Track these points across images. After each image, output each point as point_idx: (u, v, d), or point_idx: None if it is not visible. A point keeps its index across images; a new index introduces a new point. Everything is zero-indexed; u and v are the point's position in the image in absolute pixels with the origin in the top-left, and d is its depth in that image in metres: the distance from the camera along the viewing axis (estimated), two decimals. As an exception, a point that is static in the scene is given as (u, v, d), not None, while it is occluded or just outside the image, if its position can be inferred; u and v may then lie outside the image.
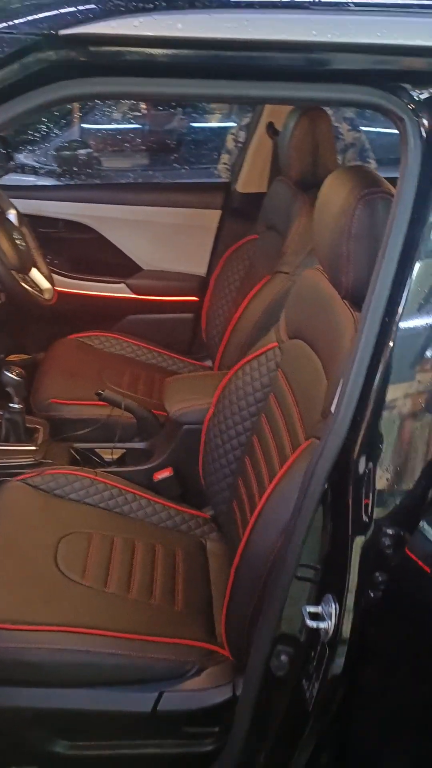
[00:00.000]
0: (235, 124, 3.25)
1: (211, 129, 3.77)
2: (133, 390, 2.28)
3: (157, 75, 0.88)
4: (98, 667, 1.33)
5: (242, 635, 1.27)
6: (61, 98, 0.87)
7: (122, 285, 2.64)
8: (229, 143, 3.01)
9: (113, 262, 2.64)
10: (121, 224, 2.60)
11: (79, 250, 2.62)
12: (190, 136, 3.73)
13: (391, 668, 1.08)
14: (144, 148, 3.74)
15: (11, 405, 1.87)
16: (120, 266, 2.65)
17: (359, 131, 3.21)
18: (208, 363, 2.59)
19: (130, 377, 2.37)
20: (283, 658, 1.10)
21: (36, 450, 1.88)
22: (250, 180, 2.51)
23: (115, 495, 1.77)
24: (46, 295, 2.15)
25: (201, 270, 2.67)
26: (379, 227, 1.17)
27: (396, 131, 0.95)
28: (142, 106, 4.36)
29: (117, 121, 4.38)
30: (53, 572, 1.50)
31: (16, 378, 1.83)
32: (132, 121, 4.32)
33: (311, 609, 1.04)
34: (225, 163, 3.05)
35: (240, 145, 2.92)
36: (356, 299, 1.23)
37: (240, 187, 2.54)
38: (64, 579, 1.49)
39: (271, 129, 2.38)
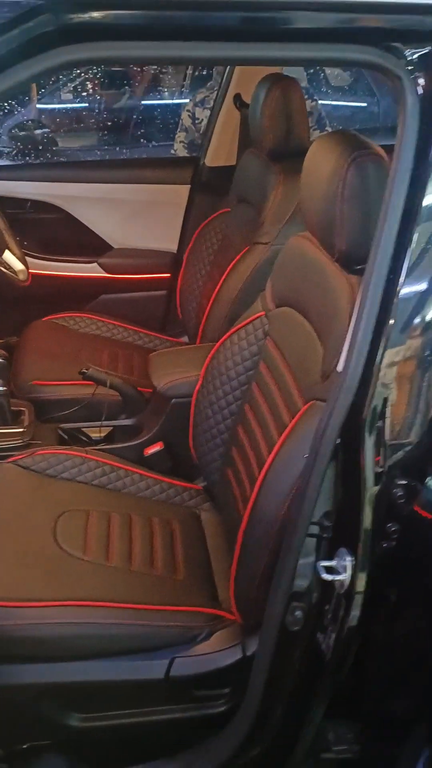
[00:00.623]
0: (187, 101, 3.23)
1: (163, 106, 3.75)
2: (113, 368, 2.27)
3: (159, 38, 0.88)
4: (109, 638, 1.34)
5: (251, 596, 1.29)
6: (63, 64, 0.86)
7: (94, 264, 2.61)
8: (186, 120, 3.00)
9: (84, 242, 2.61)
10: (90, 203, 2.57)
11: (49, 230, 2.58)
12: (142, 114, 3.71)
13: (402, 617, 1.12)
14: (98, 127, 3.71)
15: (-6, 388, 1.84)
16: (91, 246, 2.62)
17: (315, 100, 3.23)
18: (184, 339, 2.60)
19: (108, 356, 2.36)
20: (298, 613, 1.13)
21: (23, 432, 1.86)
22: (219, 153, 2.51)
23: (107, 472, 1.77)
24: (21, 276, 2.12)
25: (172, 246, 2.66)
26: (371, 189, 1.19)
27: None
28: (91, 85, 4.31)
29: (68, 101, 4.32)
30: (54, 550, 1.50)
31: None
32: (83, 100, 4.27)
33: (326, 563, 1.07)
34: (182, 141, 3.04)
35: (198, 121, 2.91)
36: (350, 262, 1.25)
37: (209, 160, 2.54)
38: (66, 555, 1.49)
39: (238, 101, 2.38)
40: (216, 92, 2.50)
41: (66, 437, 1.94)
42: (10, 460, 1.73)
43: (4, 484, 1.67)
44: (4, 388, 1.86)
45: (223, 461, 1.68)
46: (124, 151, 3.18)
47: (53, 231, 2.59)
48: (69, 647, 1.32)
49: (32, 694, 1.33)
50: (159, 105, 4.20)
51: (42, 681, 1.33)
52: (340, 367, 1.05)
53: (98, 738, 1.39)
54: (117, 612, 1.35)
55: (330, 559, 1.08)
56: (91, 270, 2.62)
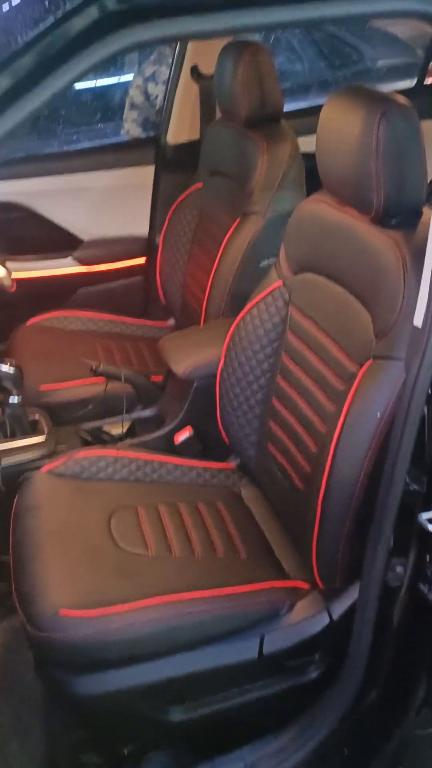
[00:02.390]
0: (131, 77, 3.14)
1: (103, 86, 3.64)
2: (111, 361, 2.23)
3: (211, 10, 0.85)
4: (199, 627, 1.33)
5: (336, 561, 1.31)
6: (125, 47, 0.82)
7: (69, 259, 2.54)
8: (136, 98, 2.92)
9: (54, 238, 2.53)
10: (53, 197, 2.49)
11: (16, 231, 2.48)
12: (82, 96, 3.59)
13: None
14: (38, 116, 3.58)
15: (11, 398, 1.78)
16: (62, 241, 2.54)
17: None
18: (171, 322, 2.57)
19: (102, 350, 2.32)
20: (399, 569, 1.15)
21: (46, 440, 1.81)
22: (181, 129, 2.46)
23: (142, 466, 1.75)
24: (6, 283, 2.05)
25: (143, 230, 2.61)
26: (404, 141, 1.19)
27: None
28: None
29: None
30: (118, 551, 1.47)
31: (12, 369, 1.75)
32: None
33: (427, 515, 1.08)
34: (135, 120, 2.97)
35: (152, 97, 2.84)
36: (388, 217, 1.26)
37: (171, 138, 2.48)
38: (131, 555, 1.47)
39: (195, 72, 2.33)
40: (171, 65, 2.44)
41: (90, 438, 1.90)
42: (43, 470, 1.68)
43: (45, 494, 1.62)
44: (19, 398, 1.80)
45: (259, 436, 1.68)
46: (74, 137, 3.08)
47: (20, 231, 2.49)
48: (164, 643, 1.31)
49: (133, 697, 1.32)
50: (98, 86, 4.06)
51: (142, 682, 1.31)
52: (418, 322, 1.06)
53: (199, 727, 1.39)
54: (203, 600, 1.35)
55: (429, 510, 1.09)
56: (66, 265, 2.55)
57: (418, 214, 1.27)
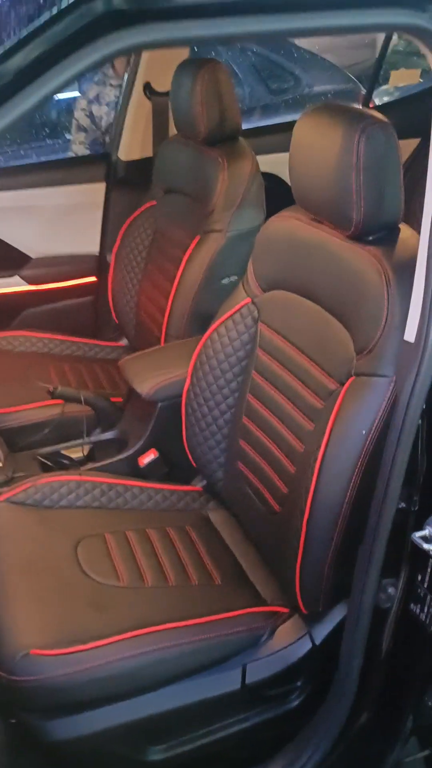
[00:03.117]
0: (76, 95, 3.10)
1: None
2: (65, 383, 2.15)
3: (211, 15, 0.82)
4: (178, 660, 1.27)
5: (320, 584, 1.27)
6: (119, 50, 0.78)
7: (15, 278, 2.45)
8: (83, 120, 2.87)
9: (1, 256, 2.43)
10: (0, 213, 2.40)
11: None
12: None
13: None
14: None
15: (-36, 424, 1.68)
16: (7, 258, 2.45)
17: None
18: (123, 342, 2.50)
19: (55, 372, 2.23)
20: (390, 590, 1.13)
21: (3, 466, 1.72)
22: (133, 146, 2.41)
23: (106, 491, 1.67)
24: None
25: (94, 248, 2.54)
26: (384, 156, 1.19)
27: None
28: None
29: None
30: (88, 582, 1.40)
31: (-34, 393, 1.65)
32: None
33: (420, 534, 1.06)
34: (82, 142, 2.92)
35: (98, 119, 2.80)
36: (366, 233, 1.25)
37: (123, 155, 2.44)
38: (102, 586, 1.39)
39: (148, 90, 2.30)
40: (122, 84, 2.40)
41: (49, 463, 1.81)
42: (0, 498, 1.59)
43: (4, 525, 1.53)
44: (-27, 423, 1.70)
45: (228, 456, 1.64)
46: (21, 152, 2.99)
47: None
48: (144, 679, 1.24)
49: (111, 740, 1.24)
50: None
51: (121, 722, 1.24)
52: (410, 337, 1.04)
53: (181, 766, 1.32)
54: (181, 631, 1.28)
55: (421, 529, 1.07)
56: (12, 284, 2.45)
57: (396, 229, 1.26)
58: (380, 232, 1.25)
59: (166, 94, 2.31)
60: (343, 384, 1.28)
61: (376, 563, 1.11)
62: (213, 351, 1.63)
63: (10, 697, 1.24)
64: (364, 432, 1.17)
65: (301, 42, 4.73)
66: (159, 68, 2.24)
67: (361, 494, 1.18)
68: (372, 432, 1.18)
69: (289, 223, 1.47)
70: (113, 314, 2.46)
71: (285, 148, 1.98)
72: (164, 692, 1.26)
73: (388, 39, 2.83)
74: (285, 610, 1.41)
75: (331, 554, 1.23)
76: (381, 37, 8.26)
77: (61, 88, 0.77)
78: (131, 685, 1.24)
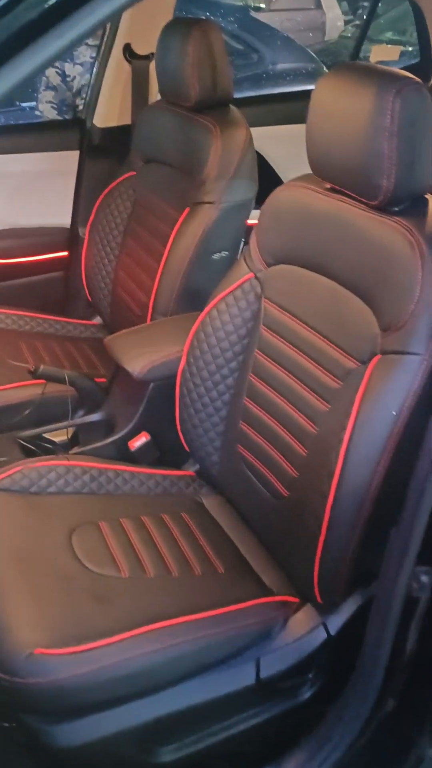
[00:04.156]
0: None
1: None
2: (38, 362, 2.02)
3: None
4: (193, 655, 1.19)
5: (341, 572, 1.21)
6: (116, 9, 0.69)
7: (-19, 251, 2.30)
8: (53, 78, 2.71)
9: (-36, 226, 2.27)
10: (-35, 180, 2.24)
11: None
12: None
13: None
14: None
15: None
16: (-28, 229, 2.29)
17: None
18: (97, 320, 2.39)
19: (28, 350, 2.10)
20: (424, 578, 1.08)
21: (-18, 450, 1.60)
22: (110, 112, 2.28)
23: (96, 476, 1.57)
24: None
25: (65, 221, 2.41)
26: (420, 119, 1.12)
27: None
28: None
29: None
30: (87, 574, 1.30)
31: None
32: None
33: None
34: (50, 101, 2.75)
35: (69, 78, 2.65)
36: (395, 202, 1.18)
37: (99, 121, 2.30)
38: (102, 578, 1.30)
39: (128, 52, 2.17)
40: (100, 44, 2.26)
41: (32, 447, 1.69)
42: (-16, 485, 1.47)
43: (-9, 513, 1.41)
44: None
45: (225, 439, 1.57)
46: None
47: None
48: (157, 677, 1.16)
49: (120, 743, 1.15)
50: None
51: (131, 725, 1.16)
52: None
53: (193, 766, 1.24)
54: (196, 624, 1.21)
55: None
56: (-22, 257, 2.30)
57: (423, 200, 1.20)
58: (406, 203, 1.18)
59: (148, 57, 2.20)
60: (365, 363, 1.22)
61: (413, 549, 1.05)
62: (212, 329, 1.54)
63: (11, 700, 1.14)
64: (394, 413, 1.12)
65: (263, 18, 4.64)
66: (140, 29, 2.12)
67: (391, 477, 1.12)
68: (402, 411, 1.12)
69: (300, 192, 1.40)
70: (86, 291, 2.33)
71: (262, 122, 1.90)
72: (177, 690, 1.18)
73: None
74: (295, 599, 1.35)
75: (354, 541, 1.18)
76: (334, 21, 8.19)
77: (64, 52, 0.68)
78: (144, 684, 1.16)
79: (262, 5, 6.71)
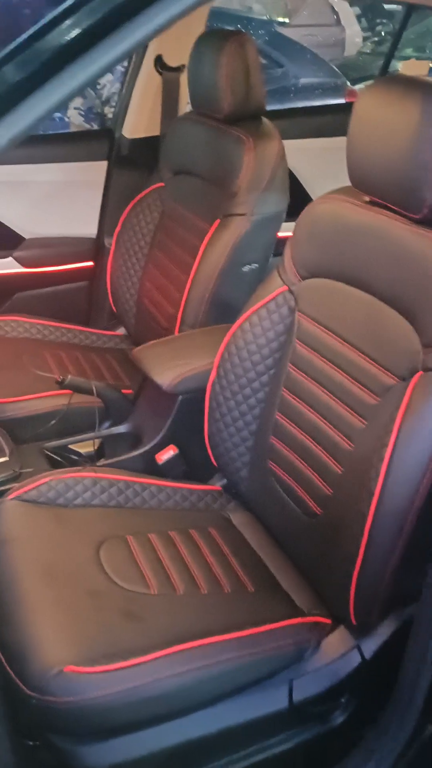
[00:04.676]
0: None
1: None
2: (63, 373, 2.01)
3: None
4: (226, 676, 1.16)
5: (378, 593, 1.18)
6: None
7: (9, 259, 2.29)
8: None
9: (-9, 234, 2.27)
10: (-7, 188, 2.23)
11: None
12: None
13: None
14: None
15: (-33, 414, 1.54)
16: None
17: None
18: (121, 331, 2.37)
19: (53, 360, 2.09)
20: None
21: (9, 460, 1.58)
22: (139, 123, 2.28)
23: (123, 489, 1.55)
24: None
25: (91, 231, 2.40)
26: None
27: None
28: None
29: None
30: (116, 590, 1.28)
31: (-28, 380, 1.50)
32: None
33: None
34: (78, 108, 2.76)
35: (99, 86, 2.65)
36: (441, 217, 1.16)
37: (128, 132, 2.30)
38: (132, 594, 1.28)
39: (160, 63, 2.17)
40: (132, 55, 2.26)
41: (58, 458, 1.67)
42: (11, 496, 1.45)
43: (19, 525, 1.39)
44: (-22, 413, 1.55)
45: (255, 454, 1.54)
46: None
47: None
48: (190, 699, 1.13)
49: (152, 763, 1.12)
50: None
51: (161, 747, 1.12)
52: None
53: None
54: (229, 645, 1.18)
55: None
56: (5, 266, 2.29)
57: (468, 215, 1.18)
58: (452, 218, 1.16)
59: (179, 68, 2.20)
60: (405, 379, 1.19)
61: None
62: (244, 342, 1.52)
63: (37, 718, 1.12)
64: (438, 431, 1.09)
65: (287, 33, 4.65)
66: (172, 41, 2.12)
67: (432, 496, 1.09)
68: (446, 430, 1.09)
69: (338, 205, 1.38)
70: (111, 301, 2.32)
71: (288, 135, 1.88)
72: (209, 712, 1.15)
73: (408, 15, 2.76)
74: (327, 621, 1.31)
75: (394, 562, 1.14)
76: (353, 37, 8.22)
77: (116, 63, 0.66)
78: (175, 705, 1.13)
79: (286, 20, 6.74)
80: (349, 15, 7.67)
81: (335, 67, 4.82)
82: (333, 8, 7.47)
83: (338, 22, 7.69)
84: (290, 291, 1.48)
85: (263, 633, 1.23)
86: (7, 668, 1.12)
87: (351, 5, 7.64)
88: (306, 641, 1.25)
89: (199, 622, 1.23)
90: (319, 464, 1.36)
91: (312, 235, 1.44)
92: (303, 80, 4.44)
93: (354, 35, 7.81)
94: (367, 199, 1.32)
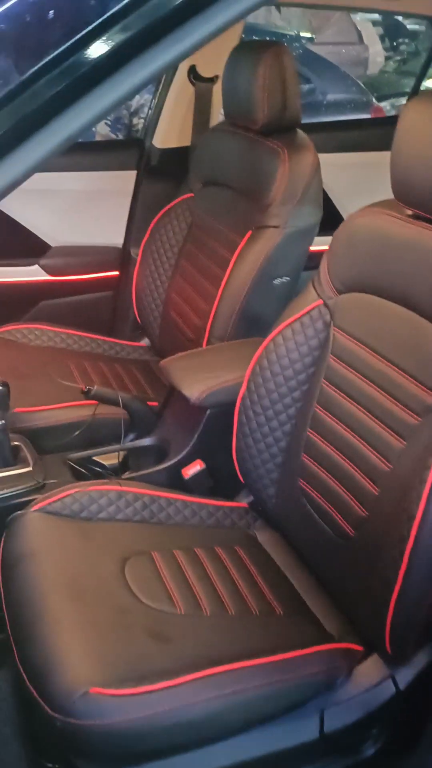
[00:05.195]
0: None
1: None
2: (87, 383, 1.98)
3: None
4: (254, 704, 1.12)
5: (415, 622, 1.13)
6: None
7: (35, 267, 2.27)
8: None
9: (17, 242, 2.25)
10: (21, 195, 2.21)
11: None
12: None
13: None
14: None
15: (-8, 422, 1.50)
16: (25, 245, 2.27)
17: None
18: (145, 341, 2.34)
19: (77, 369, 2.06)
20: None
21: (33, 470, 1.54)
22: (170, 134, 2.26)
23: (148, 503, 1.51)
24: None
25: (118, 240, 2.38)
26: None
27: None
28: None
29: None
30: (142, 609, 1.23)
31: (-1, 387, 1.47)
32: None
33: None
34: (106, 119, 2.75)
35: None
36: None
37: (158, 142, 2.28)
38: (158, 613, 1.23)
39: (193, 73, 2.15)
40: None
41: (82, 470, 1.64)
42: (34, 507, 1.41)
43: (42, 538, 1.36)
44: (3, 421, 1.52)
45: (284, 472, 1.50)
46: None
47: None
48: (221, 725, 1.09)
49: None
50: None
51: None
52: None
53: None
54: (260, 670, 1.13)
55: None
56: (31, 273, 2.27)
57: None
58: None
59: (212, 79, 2.18)
60: (450, 399, 1.15)
61: None
62: (276, 356, 1.48)
63: (61, 741, 1.07)
64: None
65: (316, 49, 4.66)
66: (206, 52, 2.08)
67: None
68: None
69: (379, 218, 1.34)
70: (135, 312, 2.29)
71: (318, 149, 1.85)
72: (237, 741, 1.10)
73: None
74: (359, 648, 1.26)
75: (434, 589, 1.10)
76: (375, 56, 8.25)
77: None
78: (203, 732, 1.08)
79: (312, 36, 6.77)
80: (371, 34, 7.71)
81: (362, 84, 4.82)
82: (356, 27, 7.52)
83: (361, 40, 7.73)
84: (326, 305, 1.45)
85: (294, 659, 1.18)
86: (30, 687, 1.08)
87: (374, 25, 7.68)
88: (338, 669, 1.21)
89: (227, 646, 1.18)
90: (353, 484, 1.32)
91: (351, 248, 1.41)
92: (330, 96, 4.44)
93: (376, 54, 7.86)
94: (409, 212, 1.29)
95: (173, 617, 1.23)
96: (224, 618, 1.27)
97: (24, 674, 1.11)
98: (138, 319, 2.29)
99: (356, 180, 2.41)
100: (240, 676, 1.11)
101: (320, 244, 1.90)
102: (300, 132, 1.86)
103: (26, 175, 0.75)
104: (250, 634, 1.24)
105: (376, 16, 7.72)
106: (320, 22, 7.62)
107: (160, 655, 1.12)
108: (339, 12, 7.41)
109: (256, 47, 1.79)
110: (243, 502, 1.64)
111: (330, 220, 1.85)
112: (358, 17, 7.41)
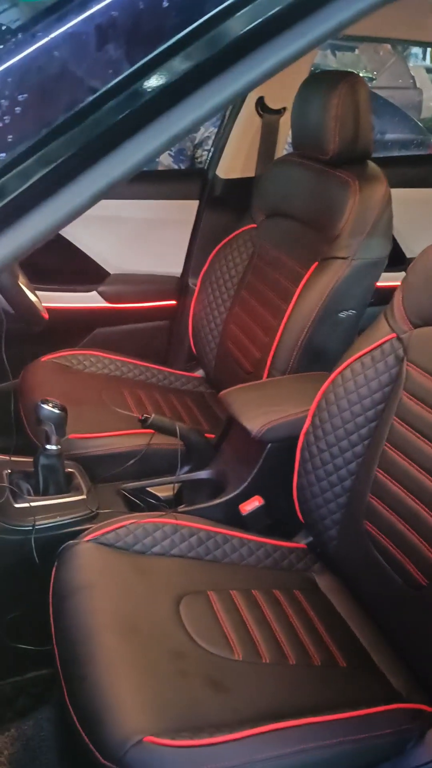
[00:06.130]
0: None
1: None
2: (141, 411, 1.94)
3: None
4: (319, 765, 1.03)
5: None
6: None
7: (93, 293, 2.26)
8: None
9: (77, 268, 2.25)
10: (83, 222, 2.21)
11: (38, 256, 2.18)
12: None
13: None
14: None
15: (48, 447, 1.46)
16: (85, 272, 2.26)
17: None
18: (200, 372, 2.30)
19: (131, 398, 2.02)
20: None
21: (86, 499, 1.49)
22: (235, 164, 2.25)
23: (204, 539, 1.45)
24: (39, 308, 1.75)
25: (176, 270, 2.36)
26: None
27: None
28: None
29: None
30: (199, 653, 1.16)
31: (56, 410, 1.44)
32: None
33: None
34: (169, 151, 2.76)
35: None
36: None
37: (222, 172, 2.27)
38: (216, 658, 1.16)
39: (260, 105, 2.14)
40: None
41: (136, 501, 1.58)
42: (88, 537, 1.36)
43: (95, 571, 1.30)
44: (59, 447, 1.48)
45: (348, 513, 1.42)
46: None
47: (42, 257, 2.19)
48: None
49: None
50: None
51: None
52: None
53: None
54: (324, 728, 1.04)
55: None
56: (89, 300, 2.26)
57: None
58: None
59: (279, 111, 2.17)
60: None
61: None
62: (344, 390, 1.42)
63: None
64: None
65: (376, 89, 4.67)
66: (275, 84, 2.09)
67: None
68: None
69: (458, 251, 1.28)
70: (191, 341, 2.26)
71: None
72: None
73: None
74: (429, 709, 1.17)
75: None
76: (428, 101, 8.29)
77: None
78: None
79: (372, 76, 6.82)
80: (425, 80, 7.81)
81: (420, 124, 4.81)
82: (410, 72, 7.60)
83: (415, 85, 7.81)
84: (399, 339, 1.38)
85: (361, 717, 1.09)
86: (82, 732, 1.02)
87: (427, 72, 7.78)
88: (407, 732, 1.11)
89: (289, 698, 1.10)
90: (426, 529, 1.23)
91: (428, 281, 1.34)
92: (388, 135, 4.43)
93: (429, 99, 7.96)
94: None
95: (231, 663, 1.16)
96: (285, 667, 1.19)
97: (75, 717, 1.04)
98: (193, 349, 2.25)
99: (417, 215, 2.36)
100: (305, 734, 1.02)
101: (382, 280, 1.85)
102: (371, 163, 1.82)
103: (92, 202, 0.71)
104: (312, 687, 1.15)
105: (428, 62, 7.79)
106: (375, 67, 7.70)
107: (218, 705, 1.05)
108: (393, 57, 7.48)
109: (330, 77, 1.77)
110: (301, 542, 1.56)
111: (392, 256, 1.80)
112: (410, 63, 7.47)
